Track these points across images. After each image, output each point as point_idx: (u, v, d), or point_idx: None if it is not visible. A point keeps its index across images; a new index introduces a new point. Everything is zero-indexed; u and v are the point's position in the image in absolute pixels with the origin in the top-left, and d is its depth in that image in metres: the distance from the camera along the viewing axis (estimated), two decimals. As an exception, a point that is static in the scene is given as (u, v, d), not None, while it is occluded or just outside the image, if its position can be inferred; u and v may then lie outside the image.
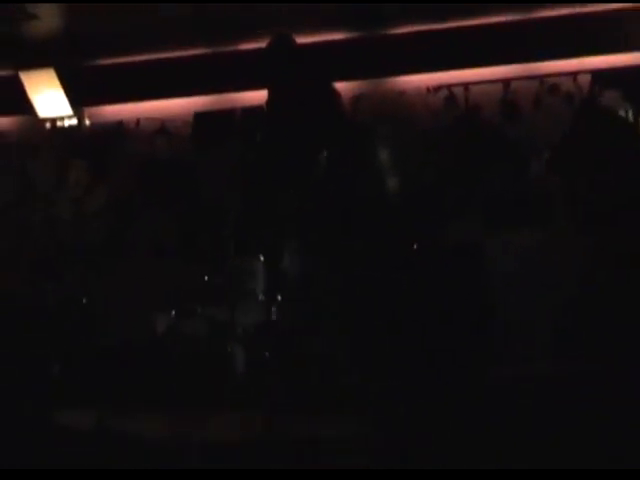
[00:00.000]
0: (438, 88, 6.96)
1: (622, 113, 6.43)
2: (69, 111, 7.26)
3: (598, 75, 6.69)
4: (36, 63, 7.22)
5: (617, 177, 4.82)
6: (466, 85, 6.91)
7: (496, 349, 4.34)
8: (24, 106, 7.30)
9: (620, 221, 4.56)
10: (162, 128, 7.24)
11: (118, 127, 7.31)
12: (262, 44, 5.68)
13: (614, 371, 3.62)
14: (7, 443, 3.54)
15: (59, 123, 7.26)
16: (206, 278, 5.26)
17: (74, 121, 7.28)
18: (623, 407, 3.35)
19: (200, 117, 7.27)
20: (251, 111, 6.83)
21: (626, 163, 4.89)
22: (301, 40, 5.79)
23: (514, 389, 3.75)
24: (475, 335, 4.47)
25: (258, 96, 5.83)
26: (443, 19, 6.85)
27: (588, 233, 4.68)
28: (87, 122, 7.37)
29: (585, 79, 6.72)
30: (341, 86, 5.79)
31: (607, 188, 4.81)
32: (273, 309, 4.92)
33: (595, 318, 4.20)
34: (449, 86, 6.94)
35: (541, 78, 6.81)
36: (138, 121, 7.30)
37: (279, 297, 4.96)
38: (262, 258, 5.15)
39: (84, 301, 5.23)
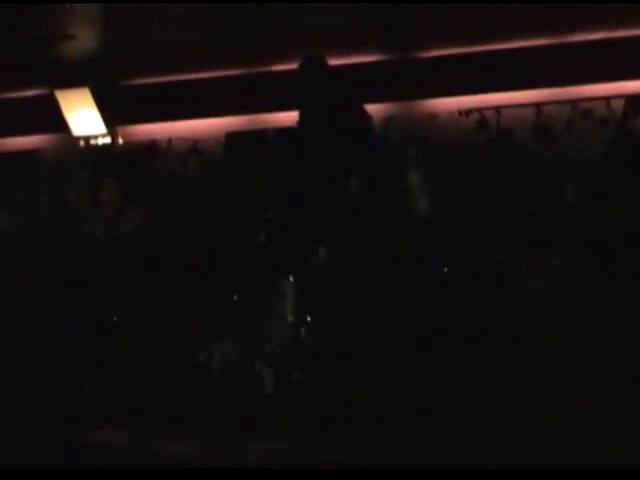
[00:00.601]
0: (469, 111, 6.95)
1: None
2: (103, 130, 7.34)
3: (631, 100, 6.64)
4: (71, 82, 7.31)
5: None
6: (498, 108, 6.90)
7: (524, 374, 4.30)
8: (59, 124, 7.40)
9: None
10: (194, 148, 7.30)
11: (150, 146, 7.38)
12: (294, 65, 5.73)
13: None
14: (35, 460, 3.56)
15: (93, 142, 7.34)
16: (235, 298, 5.27)
17: (107, 140, 7.36)
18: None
19: (232, 137, 7.32)
20: (283, 132, 6.86)
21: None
22: (333, 62, 5.84)
23: (539, 416, 3.72)
24: (503, 359, 4.44)
25: (290, 117, 5.86)
26: (475, 42, 6.85)
27: (615, 260, 4.65)
28: (120, 141, 7.45)
29: (618, 104, 6.68)
30: (372, 108, 5.81)
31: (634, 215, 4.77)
32: (302, 330, 4.92)
33: (621, 345, 4.16)
34: (480, 109, 6.93)
35: (574, 102, 6.78)
36: (170, 140, 7.37)
37: (308, 318, 4.96)
38: (292, 279, 5.16)
39: (115, 320, 5.26)
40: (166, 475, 3.38)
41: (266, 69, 7.20)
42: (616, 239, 4.83)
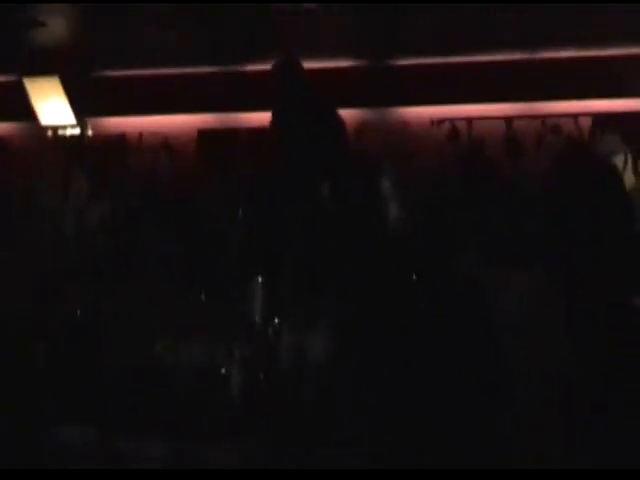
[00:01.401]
0: (442, 121, 7.03)
1: (621, 156, 6.52)
2: (72, 121, 7.25)
3: (599, 118, 6.79)
4: (41, 70, 7.21)
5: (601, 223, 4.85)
6: (469, 120, 6.98)
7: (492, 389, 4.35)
8: (27, 113, 7.29)
9: (602, 266, 4.59)
10: (165, 143, 7.25)
11: (121, 140, 7.31)
12: (269, 66, 5.73)
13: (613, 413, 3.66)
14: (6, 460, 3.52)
15: (61, 132, 7.25)
16: (203, 298, 5.23)
17: (77, 131, 7.28)
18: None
19: (204, 135, 7.29)
20: (255, 132, 6.85)
21: (611, 211, 4.92)
22: (308, 65, 5.85)
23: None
24: (474, 374, 4.48)
25: (263, 117, 5.86)
26: (450, 53, 6.93)
27: (581, 275, 4.72)
28: (90, 133, 7.37)
29: (586, 121, 6.82)
30: (345, 114, 5.83)
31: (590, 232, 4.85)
32: (271, 333, 4.91)
33: (591, 360, 4.23)
34: (452, 120, 7.01)
35: (543, 118, 6.90)
36: (141, 135, 7.31)
37: (277, 321, 4.96)
38: (261, 280, 5.14)
39: (79, 317, 5.19)
40: (159, 476, 3.36)
41: (240, 69, 7.19)
42: (579, 255, 4.90)
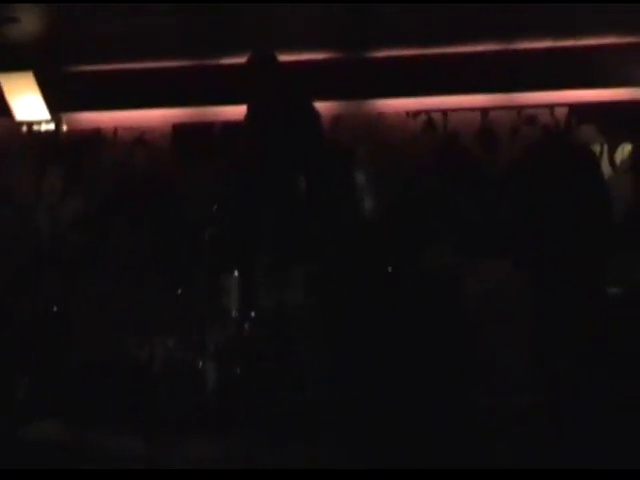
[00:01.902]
0: (417, 113, 7.02)
1: (597, 147, 6.55)
2: (47, 116, 7.21)
3: (575, 109, 6.80)
4: (15, 66, 7.16)
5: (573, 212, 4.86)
6: (445, 111, 6.98)
7: (468, 378, 4.36)
8: (1, 108, 7.24)
9: (580, 252, 4.60)
10: (140, 138, 7.21)
11: (95, 135, 7.27)
12: (243, 59, 5.71)
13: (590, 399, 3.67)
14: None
15: (36, 127, 7.20)
16: (179, 291, 5.21)
17: (51, 126, 7.23)
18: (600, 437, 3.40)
19: (178, 129, 7.26)
20: (230, 126, 6.83)
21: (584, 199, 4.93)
22: (283, 58, 5.82)
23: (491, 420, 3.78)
24: (449, 361, 4.49)
25: (238, 111, 5.84)
26: (426, 45, 6.92)
27: (553, 267, 4.74)
28: (64, 128, 7.32)
29: (562, 112, 6.83)
30: (321, 106, 5.82)
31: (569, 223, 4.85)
32: (246, 326, 4.90)
33: (561, 350, 4.25)
34: (428, 111, 7.01)
35: (519, 109, 6.90)
36: (116, 130, 7.27)
37: (252, 314, 4.94)
38: (236, 274, 5.13)
39: (54, 312, 5.16)
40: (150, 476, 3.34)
41: (215, 62, 7.16)
42: (551, 245, 4.91)
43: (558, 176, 4.98)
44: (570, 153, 5.20)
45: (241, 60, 5.78)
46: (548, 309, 4.20)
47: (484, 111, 6.96)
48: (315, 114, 5.70)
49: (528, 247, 4.53)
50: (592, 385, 3.68)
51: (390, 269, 5.17)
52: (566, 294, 4.22)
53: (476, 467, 3.33)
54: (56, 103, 7.23)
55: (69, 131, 7.33)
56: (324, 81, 6.79)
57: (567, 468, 3.17)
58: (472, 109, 6.97)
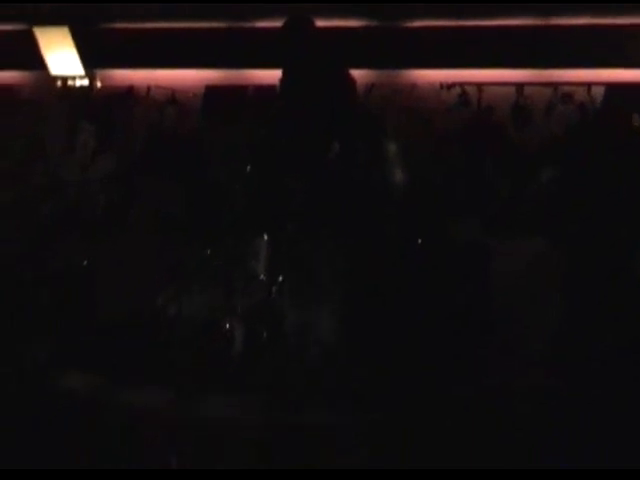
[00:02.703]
0: (451, 85, 6.96)
1: (634, 128, 6.47)
2: (81, 71, 7.22)
3: (612, 88, 6.71)
4: (51, 20, 7.16)
5: (617, 189, 4.85)
6: (479, 85, 6.91)
7: (494, 356, 4.38)
8: (36, 62, 7.25)
9: (616, 233, 4.59)
10: (173, 98, 7.21)
11: (128, 93, 7.26)
12: (279, 23, 5.67)
13: (608, 383, 3.68)
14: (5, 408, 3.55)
15: (70, 82, 7.21)
16: (208, 252, 5.24)
17: (85, 82, 7.24)
18: (615, 418, 3.42)
19: (211, 90, 7.24)
20: (263, 90, 6.80)
21: (628, 176, 4.91)
22: (319, 24, 5.79)
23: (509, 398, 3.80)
24: (473, 339, 4.51)
25: (271, 75, 5.82)
26: (462, 17, 6.85)
27: (586, 245, 4.72)
28: (98, 84, 7.33)
29: (599, 91, 6.75)
30: (354, 74, 5.78)
31: (606, 198, 4.83)
32: (274, 289, 4.93)
33: (589, 330, 4.25)
34: (462, 84, 6.95)
35: (555, 85, 6.82)
36: (149, 88, 7.26)
37: (281, 278, 4.97)
38: (266, 238, 5.15)
39: (84, 267, 5.21)
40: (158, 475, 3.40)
41: (250, 25, 7.12)
42: (587, 224, 4.90)
43: (600, 155, 4.93)
44: (613, 134, 5.17)
45: (277, 24, 5.75)
46: (579, 290, 4.20)
47: (519, 86, 6.89)
48: (350, 80, 5.67)
49: (562, 226, 4.52)
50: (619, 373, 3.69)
51: (420, 241, 5.17)
52: (599, 277, 4.21)
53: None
54: (91, 59, 7.23)
55: (102, 87, 7.33)
56: (359, 49, 6.74)
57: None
58: (507, 84, 6.89)
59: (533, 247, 4.88)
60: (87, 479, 3.32)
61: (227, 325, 4.60)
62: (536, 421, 3.46)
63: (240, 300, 4.79)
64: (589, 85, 6.77)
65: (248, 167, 5.36)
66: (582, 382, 3.62)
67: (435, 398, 3.82)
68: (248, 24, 7.12)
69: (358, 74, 5.98)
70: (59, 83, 7.25)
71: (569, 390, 3.60)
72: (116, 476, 3.34)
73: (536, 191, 5.75)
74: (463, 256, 4.95)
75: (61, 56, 7.18)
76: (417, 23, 6.98)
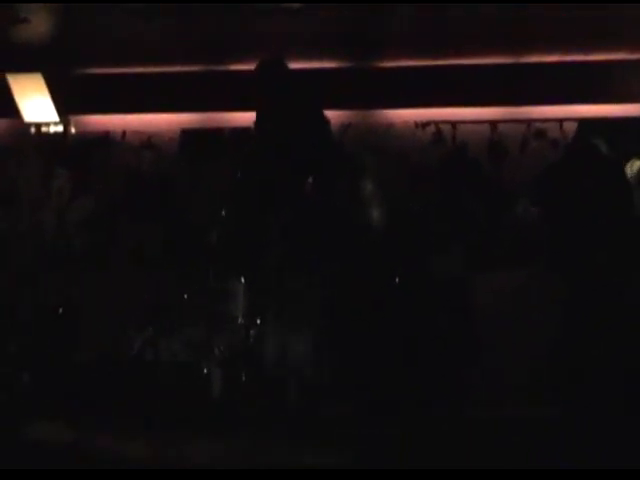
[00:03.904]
0: (426, 124, 7.02)
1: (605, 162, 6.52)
2: (55, 118, 7.19)
3: (584, 123, 6.78)
4: (24, 67, 7.15)
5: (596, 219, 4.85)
6: (454, 123, 6.97)
7: (474, 387, 4.35)
8: (10, 109, 7.23)
9: (597, 264, 4.59)
10: (148, 142, 7.20)
11: (104, 138, 7.25)
12: (253, 66, 5.70)
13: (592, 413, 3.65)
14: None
15: (44, 129, 7.18)
16: (185, 297, 5.20)
17: (60, 128, 7.21)
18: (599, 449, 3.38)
19: (187, 134, 7.25)
20: (239, 132, 6.82)
21: (606, 208, 4.93)
22: (293, 65, 5.82)
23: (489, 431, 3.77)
24: (453, 370, 4.48)
25: (246, 117, 5.83)
26: (434, 56, 6.92)
27: (566, 276, 4.72)
28: (73, 130, 7.30)
29: (571, 127, 6.82)
30: (330, 115, 5.81)
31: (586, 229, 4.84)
32: (252, 332, 4.89)
33: (574, 360, 4.23)
34: (437, 122, 7.00)
35: (528, 122, 6.89)
36: (124, 133, 7.26)
37: (258, 321, 4.93)
38: (243, 280, 5.11)
39: (60, 311, 5.15)
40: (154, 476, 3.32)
41: (225, 68, 7.16)
42: (565, 253, 4.90)
43: (567, 191, 4.96)
44: (593, 166, 5.20)
45: (251, 66, 5.78)
46: (563, 319, 4.18)
47: (493, 124, 6.95)
48: (324, 121, 5.69)
49: (542, 256, 4.51)
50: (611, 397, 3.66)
51: (397, 279, 5.16)
52: (586, 306, 4.19)
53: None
54: (64, 105, 7.21)
55: (77, 133, 7.31)
56: (334, 90, 6.78)
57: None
58: (481, 121, 6.95)
59: (514, 278, 4.88)
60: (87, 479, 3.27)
61: (205, 367, 4.54)
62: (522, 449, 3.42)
63: (218, 342, 4.74)
64: (561, 121, 6.85)
65: (223, 210, 5.35)
66: (568, 410, 3.59)
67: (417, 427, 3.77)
68: (222, 67, 7.16)
69: (333, 114, 6.01)
70: (33, 130, 7.22)
71: (555, 419, 3.56)
72: (116, 476, 3.28)
73: (514, 223, 5.77)
74: (444, 290, 4.94)
75: (34, 103, 7.16)
76: (391, 63, 7.05)
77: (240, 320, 4.95)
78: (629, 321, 4.23)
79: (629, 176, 6.56)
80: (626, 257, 4.07)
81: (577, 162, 5.23)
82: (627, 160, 6.60)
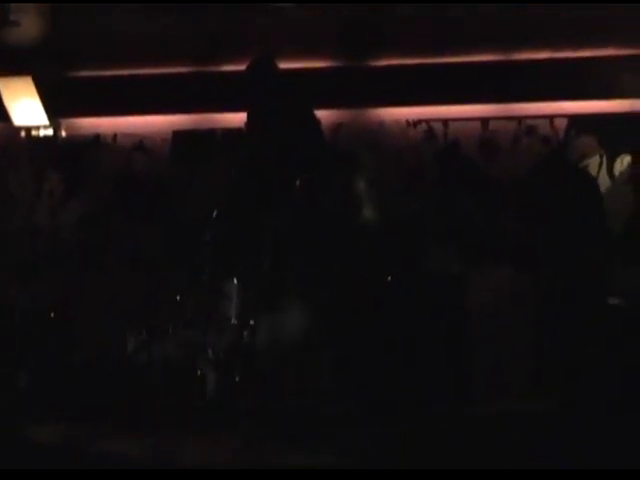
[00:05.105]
0: (418, 122, 7.02)
1: (596, 158, 6.55)
2: (45, 121, 7.17)
3: (574, 120, 6.80)
4: (14, 70, 7.13)
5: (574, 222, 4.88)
6: (445, 121, 6.98)
7: (468, 384, 4.35)
8: (0, 113, 7.21)
9: (586, 259, 4.60)
10: (140, 144, 7.18)
11: (95, 140, 7.24)
12: (244, 66, 5.70)
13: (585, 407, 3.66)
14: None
15: (34, 133, 7.16)
16: (178, 298, 5.20)
17: (50, 132, 7.19)
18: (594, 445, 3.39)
19: (178, 136, 7.24)
20: (231, 133, 6.82)
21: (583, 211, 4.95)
22: (284, 65, 5.82)
23: (485, 426, 3.77)
24: (447, 369, 4.48)
25: (239, 118, 5.83)
26: (424, 54, 6.93)
27: (555, 273, 4.73)
28: (63, 133, 7.28)
29: (562, 123, 6.84)
30: (321, 114, 5.81)
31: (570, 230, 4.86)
32: (245, 333, 4.88)
33: (560, 358, 4.24)
34: (428, 121, 7.01)
35: (519, 119, 6.90)
36: (115, 136, 7.24)
37: (252, 322, 4.92)
38: (236, 281, 5.11)
39: (53, 313, 5.14)
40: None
41: (215, 68, 7.15)
42: (555, 251, 4.91)
43: (557, 188, 4.99)
44: (568, 169, 5.23)
45: (242, 67, 5.78)
46: (550, 315, 4.19)
47: (484, 121, 6.96)
48: (316, 122, 5.70)
49: (529, 254, 4.53)
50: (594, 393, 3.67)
51: (389, 278, 5.16)
52: (567, 303, 4.21)
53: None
54: (55, 108, 7.19)
55: (68, 137, 7.29)
56: (325, 89, 6.78)
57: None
58: (472, 119, 6.96)
59: (507, 275, 4.89)
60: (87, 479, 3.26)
61: (198, 369, 4.54)
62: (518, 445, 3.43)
63: (211, 344, 4.73)
64: (552, 118, 6.86)
65: (216, 212, 5.35)
66: (559, 407, 3.60)
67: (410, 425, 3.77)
68: (213, 68, 7.15)
69: (325, 114, 6.01)
70: (23, 133, 7.20)
71: (548, 416, 3.57)
72: (113, 476, 3.27)
73: (508, 220, 5.78)
74: (439, 287, 4.94)
75: (24, 106, 7.14)
76: (381, 62, 7.06)
77: (233, 321, 4.95)
78: (624, 318, 4.25)
79: (619, 172, 6.60)
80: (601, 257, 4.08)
81: (566, 158, 5.26)
82: (617, 156, 6.64)
